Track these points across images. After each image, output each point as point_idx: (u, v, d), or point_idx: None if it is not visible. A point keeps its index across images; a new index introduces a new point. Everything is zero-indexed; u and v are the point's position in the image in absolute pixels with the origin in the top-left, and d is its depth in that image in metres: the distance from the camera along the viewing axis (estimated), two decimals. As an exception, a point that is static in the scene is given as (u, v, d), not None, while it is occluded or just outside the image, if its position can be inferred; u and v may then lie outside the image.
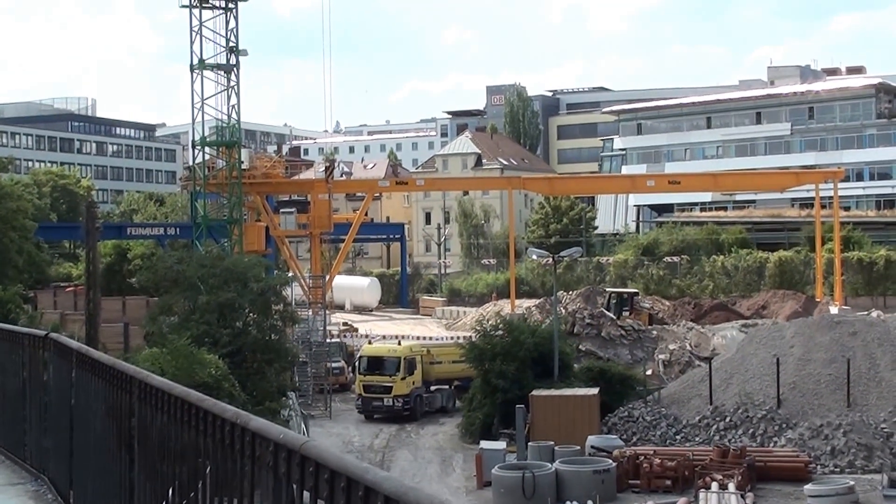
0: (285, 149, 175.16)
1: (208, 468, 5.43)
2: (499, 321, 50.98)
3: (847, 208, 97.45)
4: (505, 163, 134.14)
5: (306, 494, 4.21)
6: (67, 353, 9.55)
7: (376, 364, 53.16)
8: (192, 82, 76.10)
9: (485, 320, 55.28)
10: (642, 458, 36.21)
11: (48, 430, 10.61)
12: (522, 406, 40.95)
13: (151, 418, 6.72)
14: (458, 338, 63.38)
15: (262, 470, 4.63)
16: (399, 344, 56.34)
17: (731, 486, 31.86)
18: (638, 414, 44.30)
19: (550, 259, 56.31)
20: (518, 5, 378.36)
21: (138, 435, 7.15)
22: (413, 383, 52.75)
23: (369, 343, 59.32)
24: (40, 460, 10.83)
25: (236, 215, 77.84)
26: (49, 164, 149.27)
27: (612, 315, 61.64)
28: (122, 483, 7.51)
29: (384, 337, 70.25)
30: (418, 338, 71.45)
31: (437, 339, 70.87)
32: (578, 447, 38.43)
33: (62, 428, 9.84)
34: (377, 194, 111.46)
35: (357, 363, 55.42)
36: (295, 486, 4.27)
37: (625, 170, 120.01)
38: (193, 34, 75.84)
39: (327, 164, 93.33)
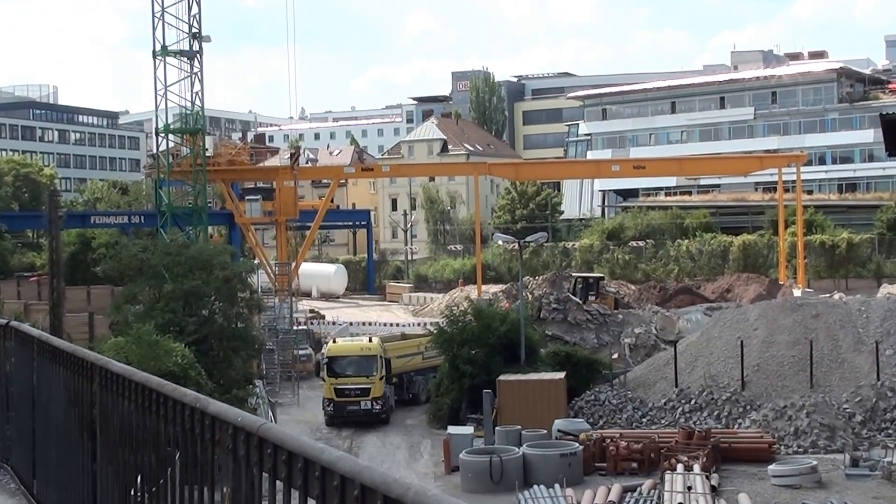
0: (250, 136, 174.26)
1: (175, 454, 5.45)
2: (468, 307, 51.00)
3: (810, 192, 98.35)
4: (471, 148, 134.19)
5: (266, 476, 4.25)
6: (29, 342, 9.52)
7: (349, 365, 48.26)
8: (155, 69, 75.64)
9: (454, 306, 54.92)
10: (609, 441, 36.41)
11: (11, 419, 10.58)
12: (490, 391, 41.07)
13: (113, 405, 6.73)
14: (426, 324, 63.41)
15: (222, 453, 4.66)
16: (370, 340, 50.93)
17: (697, 468, 32.12)
18: (604, 397, 44.55)
19: (516, 244, 56.51)
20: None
21: (100, 422, 7.15)
22: (386, 383, 48.85)
23: (333, 342, 52.07)
24: (3, 449, 10.79)
25: (201, 203, 77.48)
26: (10, 153, 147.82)
27: (578, 299, 61.90)
28: (85, 470, 7.52)
29: (350, 324, 70.26)
30: (386, 325, 71.46)
31: (404, 326, 70.92)
32: (545, 431, 38.56)
33: (24, 417, 9.82)
34: (343, 181, 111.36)
35: (324, 365, 49.58)
36: (254, 469, 4.31)
37: (590, 155, 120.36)
38: (156, 20, 75.31)
39: (292, 151, 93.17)
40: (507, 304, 54.29)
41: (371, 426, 47.06)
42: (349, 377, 47.70)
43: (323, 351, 61.59)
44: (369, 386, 47.54)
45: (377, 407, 47.61)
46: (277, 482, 4.08)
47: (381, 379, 47.93)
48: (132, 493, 6.32)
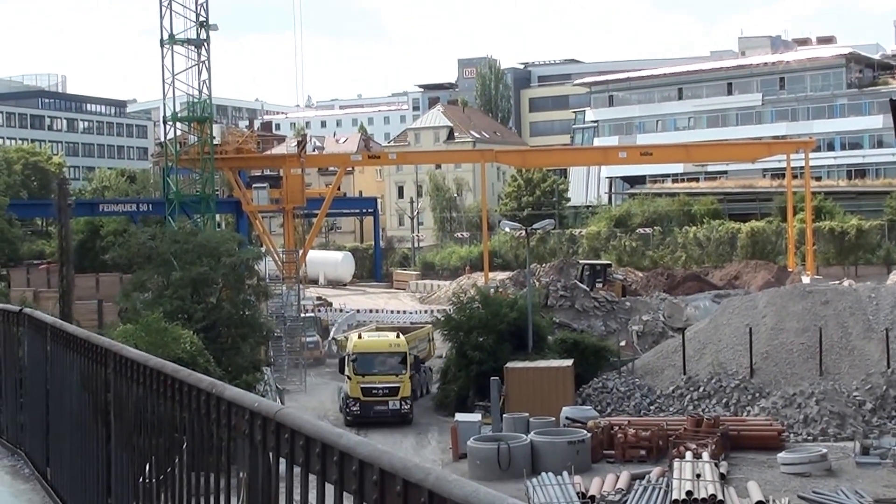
0: (257, 124, 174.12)
1: (190, 439, 5.46)
2: (476, 293, 50.92)
3: (818, 178, 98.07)
4: (477, 136, 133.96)
5: (283, 461, 4.25)
6: (42, 328, 9.53)
7: (377, 362, 45.54)
8: (163, 58, 75.59)
9: (462, 292, 54.56)
10: (617, 428, 36.41)
11: (24, 405, 10.59)
12: (497, 378, 41.09)
13: (127, 391, 6.73)
14: (433, 311, 63.46)
15: (239, 438, 4.66)
16: (398, 336, 48.11)
17: (705, 455, 32.11)
18: (612, 385, 44.54)
19: (523, 231, 56.38)
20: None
21: (114, 408, 7.16)
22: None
23: (359, 337, 48.68)
24: (17, 436, 10.82)
25: (209, 191, 77.58)
26: (20, 142, 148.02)
27: (585, 287, 61.85)
28: (99, 456, 7.53)
29: (357, 311, 70.30)
30: (394, 312, 71.44)
31: (411, 313, 71.02)
32: (553, 418, 38.59)
33: (38, 403, 9.83)
34: (349, 168, 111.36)
35: (350, 362, 45.85)
36: (271, 454, 4.31)
37: (597, 142, 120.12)
38: (163, 9, 75.23)
39: (299, 139, 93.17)
40: (502, 293, 54.05)
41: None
42: (376, 375, 45.00)
43: (330, 340, 61.85)
44: (398, 385, 45.02)
45: (405, 407, 45.13)
46: (295, 467, 4.08)
47: (410, 377, 46.00)
48: (146, 478, 6.33)
